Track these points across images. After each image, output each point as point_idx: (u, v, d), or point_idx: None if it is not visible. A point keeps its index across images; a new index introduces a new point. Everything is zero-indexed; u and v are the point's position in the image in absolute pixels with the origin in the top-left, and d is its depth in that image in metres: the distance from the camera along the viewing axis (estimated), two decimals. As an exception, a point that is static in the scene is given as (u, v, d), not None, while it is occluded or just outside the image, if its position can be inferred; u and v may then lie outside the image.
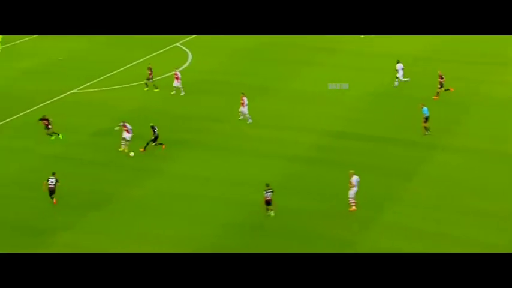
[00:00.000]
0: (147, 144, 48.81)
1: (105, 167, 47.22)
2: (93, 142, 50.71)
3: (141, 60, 68.16)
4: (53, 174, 42.89)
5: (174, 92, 59.56)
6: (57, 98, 59.34)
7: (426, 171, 46.27)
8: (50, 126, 50.95)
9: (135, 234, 39.39)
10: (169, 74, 61.82)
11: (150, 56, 69.82)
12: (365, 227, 39.95)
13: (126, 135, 48.69)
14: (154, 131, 49.12)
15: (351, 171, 42.38)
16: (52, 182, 42.45)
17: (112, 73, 63.98)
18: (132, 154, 48.00)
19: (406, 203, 42.52)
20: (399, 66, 61.03)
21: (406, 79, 61.12)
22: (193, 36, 75.14)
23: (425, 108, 51.33)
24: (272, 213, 41.41)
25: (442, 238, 38.66)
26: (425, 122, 51.30)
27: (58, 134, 51.15)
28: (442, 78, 57.94)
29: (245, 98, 54.27)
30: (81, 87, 61.79)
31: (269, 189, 41.25)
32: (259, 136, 51.62)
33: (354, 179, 42.04)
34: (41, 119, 51.27)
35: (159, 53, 71.11)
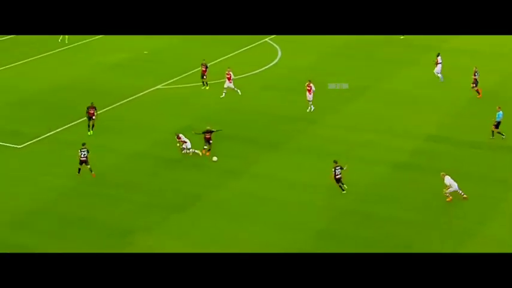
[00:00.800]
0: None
1: (189, 167, 47.79)
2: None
3: (229, 55, 68.91)
4: (83, 145, 45.79)
5: (223, 95, 58.92)
6: (142, 93, 60.46)
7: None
8: (94, 117, 52.10)
9: (217, 237, 39.76)
10: (256, 71, 62.35)
11: (238, 51, 70.53)
12: (461, 240, 39.46)
13: (185, 145, 49.04)
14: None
15: (442, 173, 42.35)
16: (84, 154, 45.25)
17: (198, 69, 64.61)
18: (215, 159, 48.29)
19: (507, 214, 41.84)
20: (439, 59, 60.63)
21: (439, 76, 60.59)
22: (284, 31, 75.52)
23: (500, 113, 50.43)
24: (344, 190, 43.21)
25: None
26: (495, 127, 50.50)
27: (89, 130, 52.28)
28: (475, 75, 57.48)
29: (312, 85, 55.27)
30: (166, 83, 62.81)
31: (338, 166, 42.86)
32: (349, 139, 51.45)
33: (447, 180, 41.82)
34: (89, 107, 52.32)
35: (248, 49, 71.70)
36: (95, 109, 52.54)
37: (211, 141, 48.84)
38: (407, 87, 61.25)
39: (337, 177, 43.19)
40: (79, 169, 46.06)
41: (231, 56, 68.93)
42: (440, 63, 61.01)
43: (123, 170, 47.34)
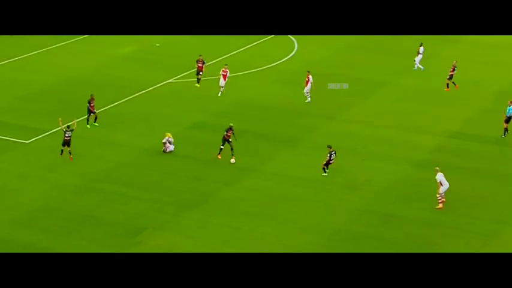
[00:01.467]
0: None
1: (201, 163, 47.57)
2: (189, 136, 51.17)
3: (244, 48, 68.65)
4: (68, 127, 47.06)
5: (220, 92, 58.37)
6: (153, 87, 60.28)
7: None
8: (95, 110, 52.24)
9: (229, 237, 39.55)
10: (272, 64, 61.86)
11: (253, 44, 70.29)
12: (485, 240, 39.06)
13: (171, 147, 48.95)
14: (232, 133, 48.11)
15: (436, 168, 41.90)
16: (69, 134, 46.71)
17: (211, 62, 64.42)
18: (232, 161, 47.75)
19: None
20: (421, 49, 60.75)
21: (420, 67, 60.72)
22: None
23: (510, 107, 50.03)
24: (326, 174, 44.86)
25: None
26: (506, 122, 50.11)
27: (88, 123, 52.39)
28: (453, 70, 57.75)
29: (310, 77, 55.74)
30: (178, 77, 62.62)
31: (333, 151, 44.15)
32: (367, 136, 51.23)
33: (439, 176, 41.33)
34: (90, 100, 52.23)
35: (264, 41, 71.45)
36: (93, 100, 52.38)
37: (230, 141, 47.73)
38: (427, 82, 60.94)
39: (331, 162, 44.21)
40: (62, 150, 47.30)
41: (247, 48, 68.68)
42: (421, 53, 61.47)
43: (133, 166, 47.14)
